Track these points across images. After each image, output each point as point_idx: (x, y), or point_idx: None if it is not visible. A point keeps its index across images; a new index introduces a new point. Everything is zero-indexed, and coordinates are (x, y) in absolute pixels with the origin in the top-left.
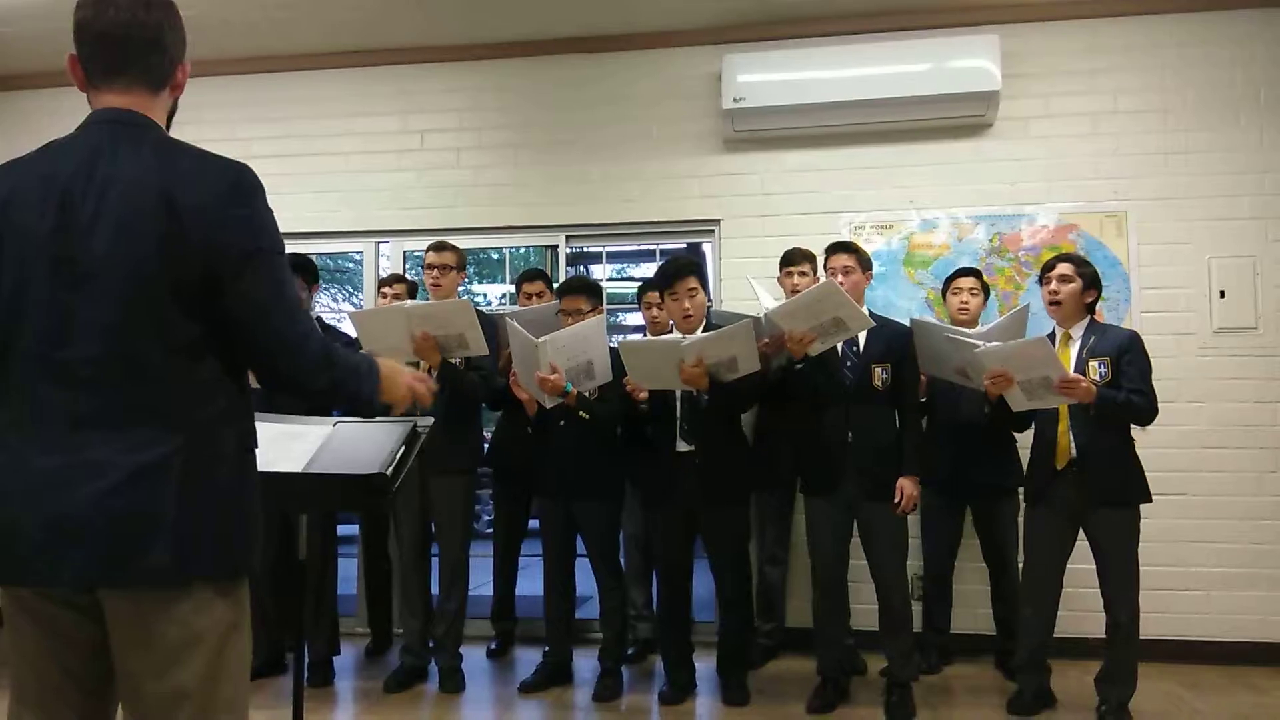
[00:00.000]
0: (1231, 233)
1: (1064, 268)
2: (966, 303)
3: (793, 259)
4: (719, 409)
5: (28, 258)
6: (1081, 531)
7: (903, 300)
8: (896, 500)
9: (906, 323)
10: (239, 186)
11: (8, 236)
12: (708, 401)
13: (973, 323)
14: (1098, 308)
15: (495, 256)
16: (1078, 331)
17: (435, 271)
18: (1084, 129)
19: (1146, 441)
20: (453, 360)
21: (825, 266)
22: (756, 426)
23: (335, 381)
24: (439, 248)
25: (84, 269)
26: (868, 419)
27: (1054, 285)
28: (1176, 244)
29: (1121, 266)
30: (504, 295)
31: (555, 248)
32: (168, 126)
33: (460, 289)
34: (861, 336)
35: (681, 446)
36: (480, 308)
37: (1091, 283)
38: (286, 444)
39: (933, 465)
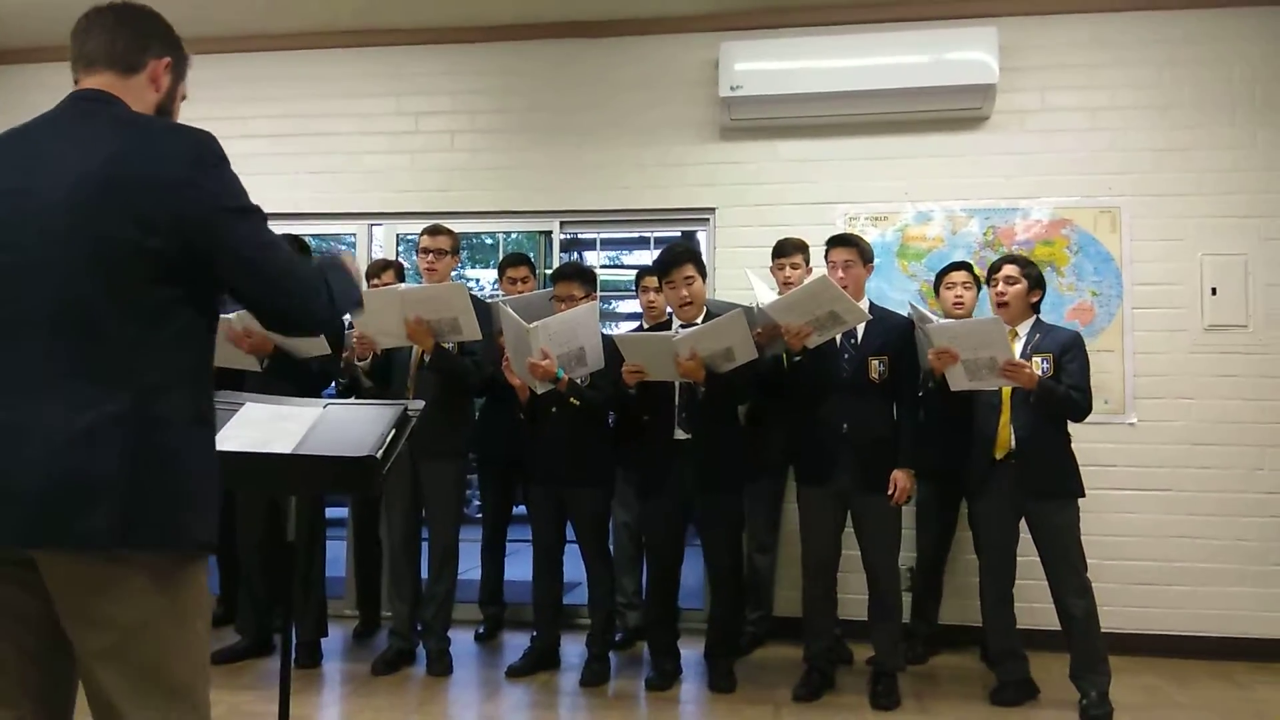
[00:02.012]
0: (1224, 230)
1: (1009, 269)
2: (961, 297)
3: (784, 250)
4: (716, 400)
5: None
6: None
7: (896, 292)
8: (890, 492)
9: (907, 312)
10: (196, 155)
11: None
12: (704, 393)
13: (967, 316)
14: (1091, 302)
15: (489, 241)
16: (1023, 330)
17: (430, 256)
18: (1080, 124)
19: (1134, 437)
20: (446, 345)
21: (826, 259)
22: (750, 414)
23: (337, 310)
24: (434, 231)
25: (33, 234)
26: (864, 411)
27: (1000, 287)
28: (1169, 240)
29: (1114, 262)
30: (496, 280)
31: (549, 233)
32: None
33: (453, 274)
34: (860, 329)
35: (679, 435)
36: (473, 293)
37: (1036, 283)
38: (276, 425)
39: (926, 459)
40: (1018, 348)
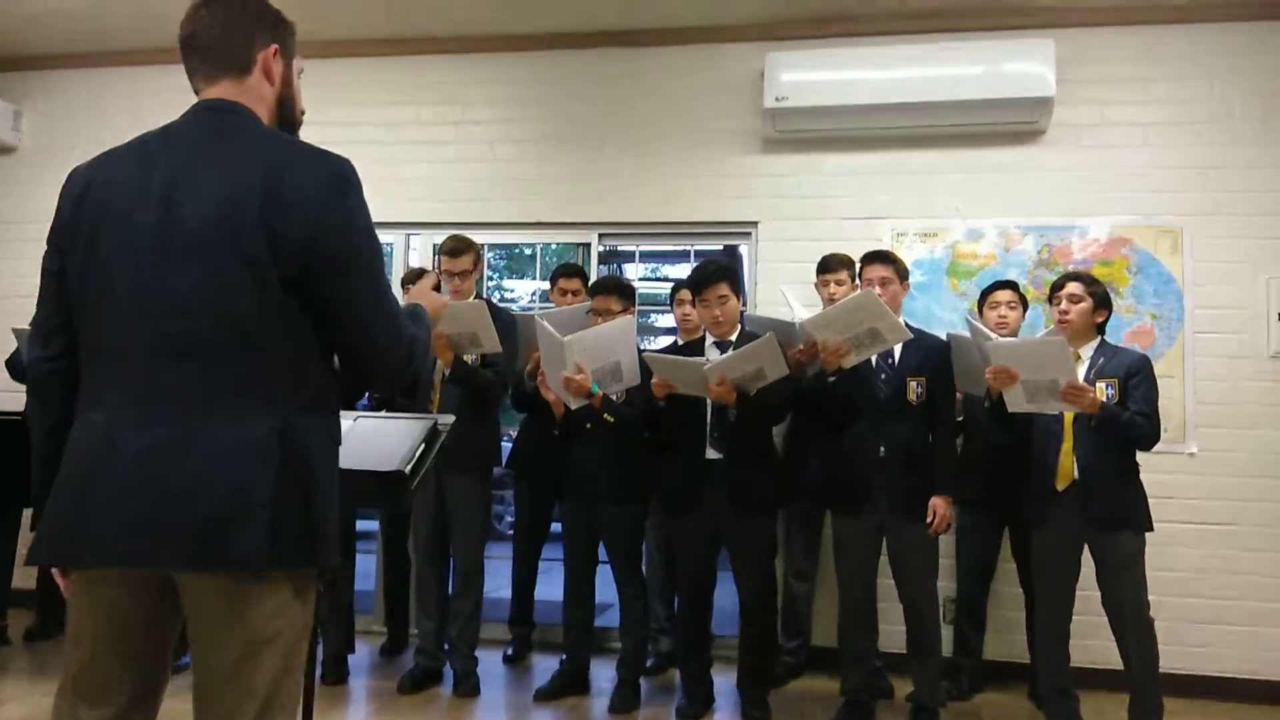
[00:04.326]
0: None
1: (1073, 287)
2: (1005, 317)
3: (829, 266)
4: (749, 423)
5: (125, 237)
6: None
7: (944, 311)
8: (929, 520)
9: (945, 335)
10: (339, 182)
11: (106, 216)
12: (737, 416)
13: (1011, 337)
14: (1151, 325)
15: (527, 251)
16: (1087, 352)
17: (456, 279)
18: (1138, 139)
19: (1194, 467)
20: (466, 358)
21: (861, 276)
22: (787, 438)
23: (416, 371)
24: (453, 253)
25: (185, 248)
26: (901, 434)
27: (1064, 305)
28: (1233, 262)
29: (1176, 284)
30: (535, 292)
31: (588, 245)
32: (290, 124)
33: (490, 284)
34: (897, 349)
35: (711, 454)
36: (511, 305)
37: (1102, 302)
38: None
39: (969, 485)
40: (1081, 371)
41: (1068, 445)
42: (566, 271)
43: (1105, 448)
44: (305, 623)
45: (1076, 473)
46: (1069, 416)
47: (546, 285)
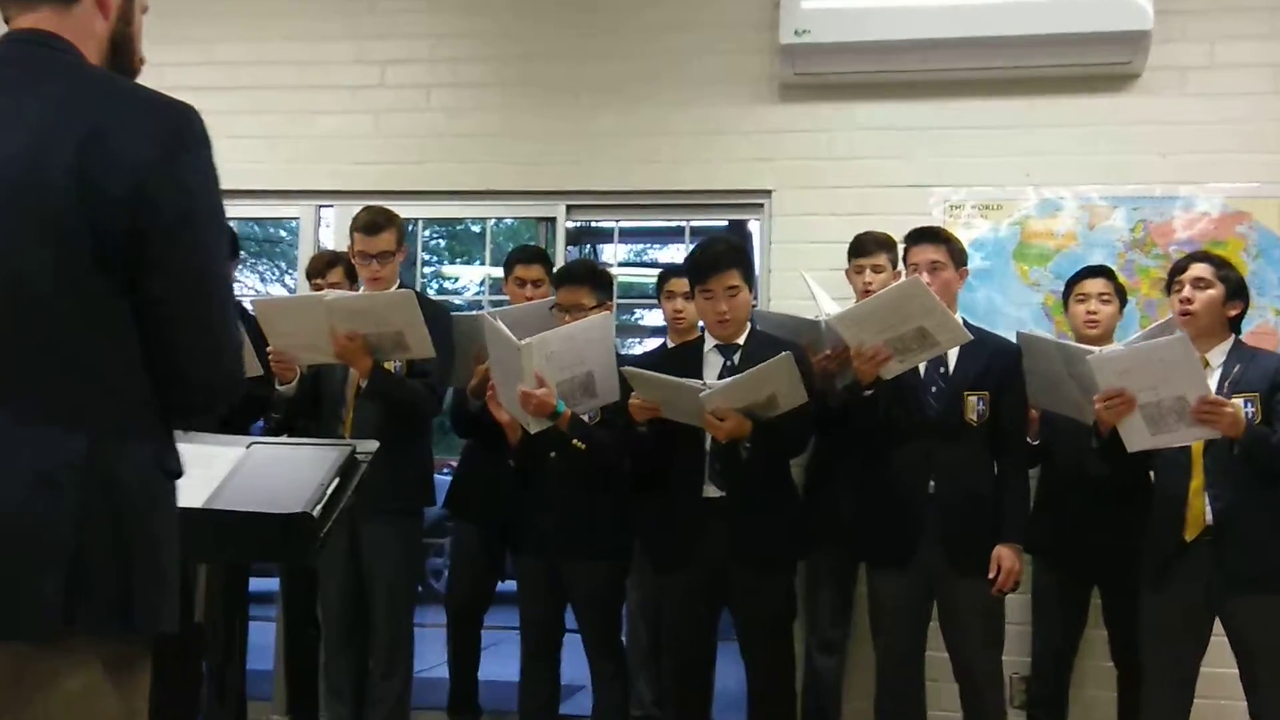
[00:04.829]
0: None
1: (1200, 269)
2: (1095, 312)
3: (865, 248)
4: (763, 456)
5: None
6: (1219, 624)
7: (1012, 306)
8: (992, 575)
9: (1014, 336)
10: (181, 132)
11: None
12: (749, 450)
13: (1104, 338)
14: (1274, 324)
15: (475, 229)
16: (1217, 357)
17: (374, 263)
18: (1261, 85)
19: None
20: (389, 365)
21: (905, 261)
22: (810, 469)
23: (234, 402)
24: (370, 228)
25: None
26: (957, 464)
27: (1186, 291)
28: None
29: None
30: (485, 281)
31: (553, 221)
32: (124, 73)
33: (427, 272)
34: (952, 354)
35: (711, 491)
36: (453, 299)
37: (1236, 291)
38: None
39: (1046, 531)
40: (1211, 383)
41: (1197, 482)
42: (525, 256)
43: (1249, 484)
44: (131, 712)
45: (1210, 518)
46: (1198, 445)
47: (499, 273)
